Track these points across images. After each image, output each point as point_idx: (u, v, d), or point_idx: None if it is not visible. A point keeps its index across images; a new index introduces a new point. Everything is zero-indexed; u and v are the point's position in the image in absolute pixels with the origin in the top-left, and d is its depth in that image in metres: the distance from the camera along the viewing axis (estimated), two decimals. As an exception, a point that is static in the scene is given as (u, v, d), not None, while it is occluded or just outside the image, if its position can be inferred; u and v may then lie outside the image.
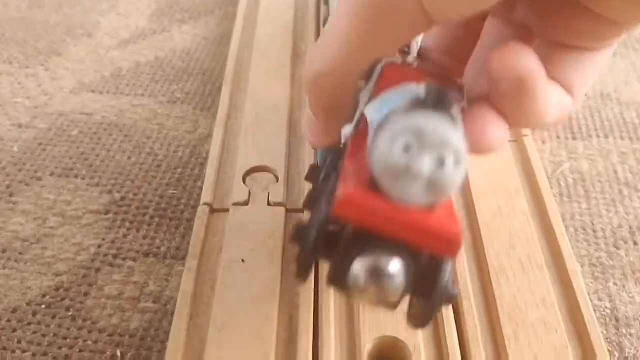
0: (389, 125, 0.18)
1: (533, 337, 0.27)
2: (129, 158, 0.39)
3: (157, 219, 0.35)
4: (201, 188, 0.35)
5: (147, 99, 0.43)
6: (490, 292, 0.29)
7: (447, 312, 0.28)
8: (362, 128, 0.22)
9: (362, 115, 0.22)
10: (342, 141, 0.24)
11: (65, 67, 0.46)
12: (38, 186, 0.37)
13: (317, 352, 0.27)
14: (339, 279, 0.19)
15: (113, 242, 0.34)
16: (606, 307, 0.31)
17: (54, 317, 0.30)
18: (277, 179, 0.34)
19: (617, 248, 0.34)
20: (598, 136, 0.40)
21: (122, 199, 0.36)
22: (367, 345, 0.27)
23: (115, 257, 0.33)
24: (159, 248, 0.33)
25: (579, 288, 0.29)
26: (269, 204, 0.33)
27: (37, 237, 0.34)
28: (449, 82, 0.23)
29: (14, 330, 0.30)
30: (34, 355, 0.29)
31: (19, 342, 0.29)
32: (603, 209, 0.36)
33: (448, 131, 0.18)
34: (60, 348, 0.29)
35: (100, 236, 0.34)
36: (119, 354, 0.29)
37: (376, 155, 0.18)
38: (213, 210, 0.32)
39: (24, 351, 0.29)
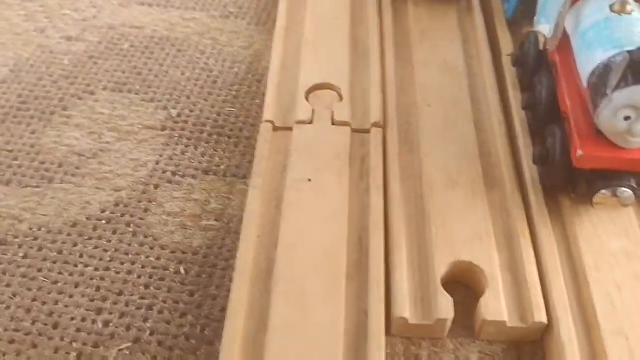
0: (613, 102, 0.24)
1: (615, 266, 0.26)
2: (183, 73, 0.37)
3: (215, 137, 0.34)
4: (259, 106, 0.34)
5: (198, 12, 0.41)
6: (569, 220, 0.27)
7: (525, 239, 0.27)
8: (563, 41, 0.28)
9: (562, 22, 0.28)
10: (541, 42, 0.31)
11: (113, -22, 0.44)
12: (91, 100, 0.36)
13: (389, 275, 0.26)
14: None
15: (171, 158, 0.33)
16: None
17: (114, 232, 0.30)
18: (341, 97, 0.33)
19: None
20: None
21: (179, 115, 0.35)
22: (441, 269, 0.26)
23: (174, 174, 0.32)
24: (218, 166, 0.32)
25: None
26: (333, 123, 0.31)
27: (94, 151, 0.33)
28: None
29: (75, 245, 0.29)
30: (96, 269, 0.28)
31: (81, 256, 0.29)
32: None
33: None
34: (122, 263, 0.28)
35: (157, 152, 0.33)
36: (182, 270, 0.28)
37: (603, 123, 0.25)
38: (276, 128, 0.31)
39: (86, 265, 0.28)
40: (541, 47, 0.31)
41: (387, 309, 0.25)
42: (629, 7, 0.27)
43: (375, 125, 0.31)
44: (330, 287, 0.25)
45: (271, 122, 0.31)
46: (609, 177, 0.26)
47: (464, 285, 0.26)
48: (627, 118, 0.24)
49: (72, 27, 0.40)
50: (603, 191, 0.26)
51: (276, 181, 0.29)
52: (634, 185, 0.26)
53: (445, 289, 0.25)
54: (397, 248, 0.26)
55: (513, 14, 0.37)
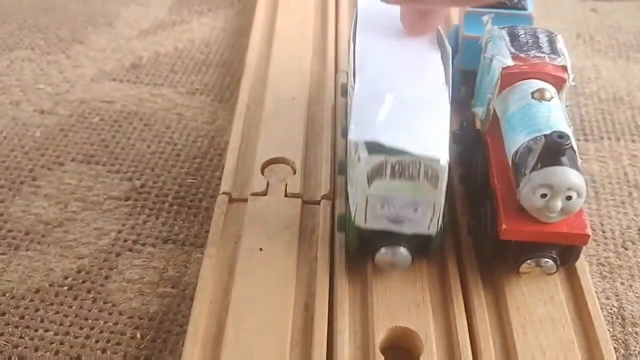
0: (530, 182, 0.27)
1: (540, 331, 0.28)
2: (149, 146, 0.40)
3: (175, 207, 0.36)
4: (219, 178, 0.36)
5: (166, 88, 0.44)
6: (500, 287, 0.30)
7: (459, 306, 0.29)
8: (493, 122, 0.31)
9: (491, 107, 0.31)
10: (477, 122, 0.33)
11: (86, 55, 0.47)
12: (60, 171, 0.38)
13: (332, 340, 0.28)
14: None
15: (133, 227, 0.34)
16: (613, 306, 0.32)
17: (75, 298, 0.31)
18: (294, 170, 0.35)
19: (625, 248, 0.34)
20: (609, 138, 0.41)
21: (142, 186, 0.37)
22: (379, 334, 0.28)
23: (135, 242, 0.34)
24: (177, 235, 0.34)
25: (587, 286, 0.30)
26: (286, 195, 0.34)
27: (59, 220, 0.35)
28: (551, 74, 0.30)
29: (37, 310, 0.31)
30: (55, 334, 0.30)
31: (42, 321, 0.30)
32: (612, 210, 0.37)
33: (570, 178, 0.26)
34: (81, 328, 0.30)
35: (120, 221, 0.35)
36: (139, 335, 0.30)
37: (524, 200, 0.27)
38: (232, 200, 0.33)
39: (47, 330, 0.30)
40: (477, 127, 0.34)
41: (329, 372, 0.27)
42: (547, 95, 0.30)
43: (324, 197, 0.33)
44: (276, 353, 0.27)
45: (228, 193, 0.33)
46: (533, 249, 0.28)
47: (402, 349, 0.28)
48: (543, 195, 0.27)
49: (45, 101, 0.43)
50: (528, 261, 0.29)
51: (230, 250, 0.31)
52: (555, 256, 0.29)
53: (384, 354, 0.27)
54: (341, 314, 0.28)
55: (457, 95, 0.40)
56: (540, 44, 0.31)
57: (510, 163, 0.29)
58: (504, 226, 0.28)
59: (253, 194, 0.33)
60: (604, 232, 0.35)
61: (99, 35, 0.49)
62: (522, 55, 0.31)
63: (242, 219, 0.32)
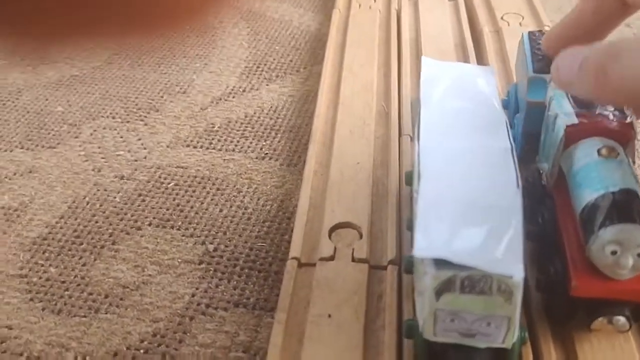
0: (599, 239, 0.27)
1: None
2: (221, 210, 0.41)
3: (246, 270, 0.37)
4: (288, 241, 0.37)
5: (237, 154, 0.46)
6: (570, 343, 0.29)
7: None
8: (559, 178, 0.31)
9: (557, 163, 0.31)
10: (544, 178, 0.33)
11: (162, 122, 0.49)
12: (138, 235, 0.40)
13: (401, 410, 0.28)
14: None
15: (206, 291, 0.36)
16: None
17: (151, 361, 0.32)
18: (361, 235, 0.36)
19: None
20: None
21: (215, 249, 0.38)
22: (449, 405, 0.27)
23: (207, 306, 0.35)
24: (248, 299, 0.35)
25: None
26: (353, 259, 0.34)
27: (137, 284, 0.36)
28: (617, 130, 0.31)
29: (115, 372, 0.32)
30: (132, 397, 0.31)
31: (119, 383, 0.31)
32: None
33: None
34: (156, 391, 0.31)
35: (194, 285, 0.36)
36: (210, 400, 0.30)
37: (593, 257, 0.27)
38: (301, 265, 0.34)
39: (124, 393, 0.31)
40: (543, 181, 0.34)
41: None
42: (614, 152, 0.29)
43: (391, 262, 0.34)
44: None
45: (297, 258, 0.34)
46: (604, 305, 0.28)
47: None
48: (613, 252, 0.26)
49: (124, 167, 0.45)
50: (599, 319, 0.28)
51: (299, 316, 0.32)
52: (628, 313, 0.28)
53: None
54: (409, 383, 0.28)
55: (520, 152, 0.39)
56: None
57: (578, 219, 0.29)
58: (574, 283, 0.27)
59: (321, 259, 0.34)
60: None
61: (174, 102, 0.52)
62: (586, 112, 0.31)
63: (311, 283, 0.33)
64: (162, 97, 0.52)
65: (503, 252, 0.25)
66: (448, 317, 0.26)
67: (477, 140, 0.30)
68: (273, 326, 0.31)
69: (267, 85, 0.53)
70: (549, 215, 0.32)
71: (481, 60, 0.51)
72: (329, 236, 0.36)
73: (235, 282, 0.36)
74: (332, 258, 0.34)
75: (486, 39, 0.53)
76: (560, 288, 0.29)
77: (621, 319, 0.28)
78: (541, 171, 0.33)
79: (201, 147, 0.47)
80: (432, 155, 0.29)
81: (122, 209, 0.42)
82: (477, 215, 0.26)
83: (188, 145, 0.47)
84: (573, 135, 0.31)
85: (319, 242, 0.35)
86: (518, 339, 0.27)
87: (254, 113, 0.50)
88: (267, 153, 0.46)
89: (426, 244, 0.25)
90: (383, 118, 0.45)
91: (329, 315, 0.31)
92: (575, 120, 0.31)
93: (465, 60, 0.50)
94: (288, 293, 0.32)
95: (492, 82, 0.34)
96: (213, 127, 0.49)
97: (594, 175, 0.29)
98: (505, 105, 0.41)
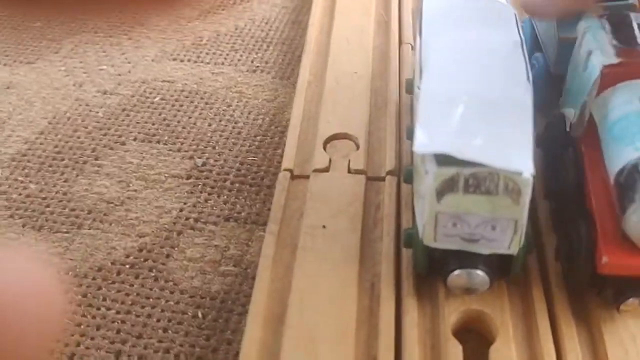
0: (637, 206, 0.22)
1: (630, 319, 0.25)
2: (210, 125, 0.39)
3: (237, 185, 0.35)
4: (281, 155, 0.35)
5: (227, 67, 0.43)
6: (596, 323, 0.26)
7: (547, 340, 0.25)
8: (590, 129, 0.26)
9: (587, 110, 0.26)
10: (568, 125, 0.28)
11: (147, 36, 0.47)
12: (122, 150, 0.37)
13: (399, 321, 0.26)
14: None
15: (194, 206, 0.34)
16: None
17: (137, 276, 0.31)
18: (358, 146, 0.33)
19: None
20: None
21: (203, 164, 0.36)
22: (451, 317, 0.26)
23: (196, 220, 0.33)
24: (239, 213, 0.33)
25: None
26: (349, 171, 0.32)
27: (121, 199, 0.34)
28: None
29: (99, 288, 0.30)
30: (117, 312, 0.29)
31: (104, 299, 0.30)
32: None
33: None
34: (143, 307, 0.29)
35: (182, 200, 0.34)
36: (200, 315, 0.29)
37: (631, 229, 0.23)
38: (294, 177, 0.32)
39: (108, 309, 0.29)
40: (567, 129, 0.28)
41: (397, 356, 0.25)
42: None
43: (390, 173, 0.32)
44: (340, 333, 0.25)
45: (289, 170, 0.32)
46: (638, 285, 0.24)
47: (476, 332, 0.26)
48: None
49: (107, 82, 0.43)
50: (631, 299, 0.25)
51: (292, 227, 0.30)
52: None
53: (456, 337, 0.25)
54: (408, 295, 0.27)
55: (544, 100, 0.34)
56: None
57: (613, 182, 0.24)
58: (604, 258, 0.23)
59: (315, 170, 0.32)
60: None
61: (160, 17, 0.49)
62: (628, 49, 0.26)
63: (305, 195, 0.31)
64: (147, 10, 0.49)
65: (511, 148, 0.22)
66: (450, 221, 0.24)
67: (484, 34, 0.27)
68: (265, 237, 0.29)
69: (258, -3, 0.50)
70: (575, 173, 0.27)
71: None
72: (324, 147, 0.33)
73: (225, 197, 0.34)
74: (327, 169, 0.32)
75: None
76: (586, 261, 0.25)
77: None
78: (566, 118, 0.28)
79: (188, 60, 0.44)
80: (435, 49, 0.27)
81: (105, 124, 0.39)
82: (483, 110, 0.24)
83: (175, 59, 0.44)
84: (611, 77, 0.26)
85: (313, 154, 0.33)
86: (524, 245, 0.25)
87: (245, 25, 0.47)
88: (258, 66, 0.43)
89: (427, 139, 0.22)
90: (382, 27, 0.42)
91: (324, 226, 0.29)
92: (615, 60, 0.26)
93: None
94: (280, 205, 0.31)
95: (510, 12, 0.31)
96: (201, 40, 0.46)
97: (635, 129, 0.24)
98: None
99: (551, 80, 0.32)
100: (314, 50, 0.40)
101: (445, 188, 0.23)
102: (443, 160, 0.23)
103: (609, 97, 0.26)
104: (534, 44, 0.35)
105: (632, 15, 0.28)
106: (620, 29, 0.27)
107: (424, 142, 0.22)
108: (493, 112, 0.24)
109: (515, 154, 0.22)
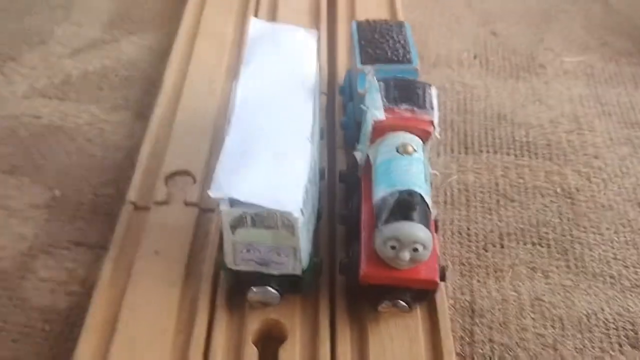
0: (381, 234, 0.30)
1: (392, 320, 0.33)
2: (70, 158, 0.44)
3: (90, 214, 0.40)
4: (131, 188, 0.40)
5: (91, 105, 0.48)
6: (365, 324, 0.33)
7: (324, 303, 0.33)
8: (367, 168, 0.34)
9: (364, 154, 0.33)
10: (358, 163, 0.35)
11: (19, 72, 0.51)
12: (-13, 181, 0.42)
13: (212, 328, 0.32)
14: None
15: (50, 232, 0.39)
16: (466, 300, 0.37)
17: (-7, 296, 0.35)
18: (195, 180, 0.39)
19: (486, 250, 0.39)
20: (488, 152, 0.46)
21: (62, 195, 0.41)
22: (253, 325, 0.32)
23: (50, 245, 0.38)
24: (89, 239, 0.38)
25: (444, 324, 0.33)
26: (185, 203, 0.38)
27: (-17, 226, 0.39)
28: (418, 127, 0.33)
29: (-42, 307, 0.34)
30: (-27, 328, 0.34)
31: (-39, 316, 0.34)
32: (480, 216, 0.42)
33: (415, 232, 0.29)
34: (-4, 322, 0.34)
35: (38, 227, 0.39)
36: (47, 328, 0.34)
37: (377, 249, 0.30)
38: (137, 208, 0.38)
39: (-35, 324, 0.34)
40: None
41: (206, 357, 0.31)
42: (410, 149, 0.32)
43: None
44: (161, 340, 0.31)
45: (133, 202, 0.38)
46: (389, 291, 0.31)
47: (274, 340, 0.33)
48: (393, 247, 0.29)
49: (-22, 116, 0.46)
50: (385, 302, 0.32)
51: (129, 254, 0.35)
52: (408, 298, 0.32)
53: (261, 342, 0.32)
54: (220, 308, 0.33)
55: (349, 141, 0.41)
56: (413, 97, 0.34)
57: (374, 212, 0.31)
58: (362, 270, 0.31)
59: (156, 203, 0.38)
60: (469, 235, 0.40)
61: (33, 53, 0.53)
62: (393, 107, 0.33)
63: (144, 225, 0.37)
64: (20, 47, 0.53)
65: (286, 193, 0.29)
66: (244, 248, 0.30)
67: (285, 97, 0.34)
68: (104, 262, 0.34)
69: (128, 37, 0.55)
70: (357, 202, 0.34)
71: (333, 23, 0.54)
72: (166, 182, 0.39)
73: (78, 224, 0.39)
74: (166, 202, 0.38)
75: (339, 2, 0.56)
76: (356, 273, 0.31)
77: (403, 303, 0.32)
78: (356, 159, 0.35)
79: (56, 97, 0.48)
80: (244, 106, 0.33)
81: (-28, 156, 0.43)
82: (269, 161, 0.30)
83: (44, 96, 0.49)
84: (380, 129, 0.33)
85: (154, 188, 0.39)
86: (309, 267, 0.32)
87: (111, 64, 0.52)
88: (120, 104, 0.48)
89: (220, 185, 0.29)
90: (231, 75, 0.48)
91: (156, 252, 0.35)
92: (382, 116, 0.33)
93: (318, 21, 0.54)
94: (121, 233, 0.36)
95: (312, 46, 0.38)
96: (70, 78, 0.50)
97: (389, 172, 0.31)
98: (342, 91, 0.44)
99: (357, 126, 0.39)
100: (169, 92, 0.46)
101: (237, 223, 0.29)
102: (234, 201, 0.29)
103: (378, 145, 0.33)
104: (350, 94, 0.42)
105: (399, 78, 0.35)
106: (389, 90, 0.34)
107: (217, 187, 0.29)
108: (277, 162, 0.30)
109: (288, 197, 0.29)
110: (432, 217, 0.32)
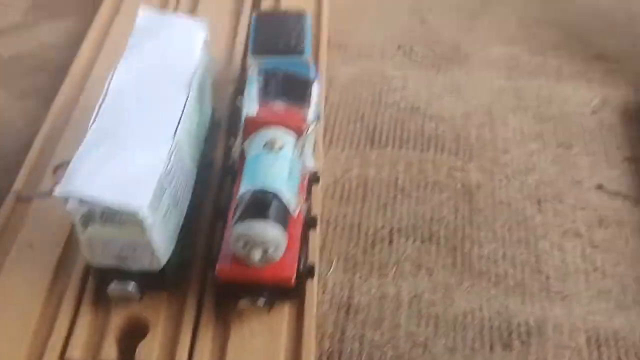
0: (233, 232, 0.30)
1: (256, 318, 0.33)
2: (-29, 146, 0.44)
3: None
4: (26, 177, 0.40)
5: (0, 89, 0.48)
6: (229, 320, 0.33)
7: (191, 299, 0.33)
8: (242, 159, 0.33)
9: (238, 149, 0.33)
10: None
11: None
12: None
13: (76, 318, 0.32)
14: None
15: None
16: (344, 296, 0.37)
17: None
18: (85, 173, 0.39)
19: (373, 247, 0.40)
20: (393, 146, 0.46)
21: (-45, 183, 0.41)
22: (117, 320, 0.32)
23: None
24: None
25: (309, 322, 0.33)
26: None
27: None
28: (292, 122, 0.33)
29: None
30: None
31: None
32: (374, 211, 0.41)
33: (265, 232, 0.29)
34: None
35: None
36: None
37: (231, 248, 0.30)
38: (20, 198, 0.38)
39: None
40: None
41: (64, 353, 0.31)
42: (276, 145, 0.32)
43: (103, 198, 0.38)
44: (21, 332, 0.32)
45: (17, 192, 0.38)
46: (247, 289, 0.31)
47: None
48: (245, 245, 0.30)
49: None
50: (243, 300, 0.32)
51: (5, 245, 0.35)
52: (266, 296, 0.31)
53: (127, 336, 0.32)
54: (85, 303, 0.33)
55: None
56: (291, 92, 0.33)
57: None
58: (217, 267, 0.31)
59: (39, 194, 0.38)
60: (359, 231, 0.40)
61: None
62: (268, 103, 0.33)
63: (25, 217, 0.37)
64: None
65: (134, 189, 0.29)
66: (100, 245, 0.30)
67: (157, 89, 0.34)
68: (-23, 254, 0.35)
69: (49, 22, 0.55)
70: (228, 197, 0.34)
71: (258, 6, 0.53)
72: (54, 173, 0.39)
73: (-33, 214, 0.39)
74: (49, 193, 0.38)
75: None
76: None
77: (260, 300, 0.31)
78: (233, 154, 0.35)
79: (-34, 82, 0.48)
80: (113, 98, 0.33)
81: None
82: (126, 158, 0.30)
83: (-46, 81, 0.48)
84: (252, 125, 0.33)
85: (42, 178, 0.39)
86: (173, 262, 0.32)
87: (27, 51, 0.52)
88: (29, 92, 0.48)
89: (67, 182, 0.29)
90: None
91: (31, 245, 0.35)
92: (254, 112, 0.32)
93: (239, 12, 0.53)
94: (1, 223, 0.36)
95: (199, 38, 0.38)
96: (-17, 63, 0.50)
97: (252, 169, 0.31)
98: None
99: None
100: (75, 79, 0.46)
101: (87, 220, 0.29)
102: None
103: (252, 140, 0.33)
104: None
105: (283, 72, 0.35)
106: (269, 84, 0.34)
107: (65, 185, 0.29)
108: (133, 160, 0.30)
109: (137, 193, 0.29)
110: (303, 213, 0.32)
